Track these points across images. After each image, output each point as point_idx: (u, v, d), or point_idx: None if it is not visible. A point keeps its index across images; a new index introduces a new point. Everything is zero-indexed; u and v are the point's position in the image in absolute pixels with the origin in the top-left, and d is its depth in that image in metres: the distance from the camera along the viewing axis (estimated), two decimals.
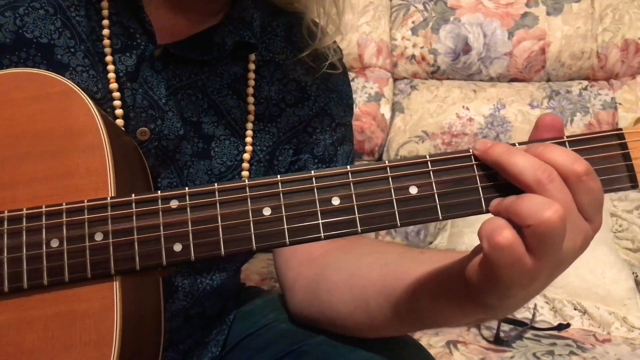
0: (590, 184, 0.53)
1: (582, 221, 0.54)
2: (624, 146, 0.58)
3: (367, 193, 0.58)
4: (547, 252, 0.51)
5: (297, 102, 0.88)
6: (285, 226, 0.57)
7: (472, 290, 0.57)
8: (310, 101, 0.89)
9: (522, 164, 0.54)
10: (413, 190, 0.57)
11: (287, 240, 0.57)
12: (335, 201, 0.58)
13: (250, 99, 0.84)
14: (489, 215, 0.55)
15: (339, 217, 0.57)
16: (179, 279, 0.83)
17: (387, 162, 0.58)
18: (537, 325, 1.44)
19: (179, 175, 0.79)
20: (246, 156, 0.84)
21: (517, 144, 0.58)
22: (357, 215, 0.57)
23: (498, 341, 1.35)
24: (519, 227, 0.52)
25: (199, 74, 0.80)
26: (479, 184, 0.57)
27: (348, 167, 0.58)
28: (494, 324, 1.38)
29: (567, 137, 0.58)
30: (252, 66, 0.84)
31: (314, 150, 0.89)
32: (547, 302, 1.53)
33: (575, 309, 1.52)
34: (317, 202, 0.58)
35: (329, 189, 0.58)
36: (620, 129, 0.59)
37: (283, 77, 0.87)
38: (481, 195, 0.57)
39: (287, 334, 0.86)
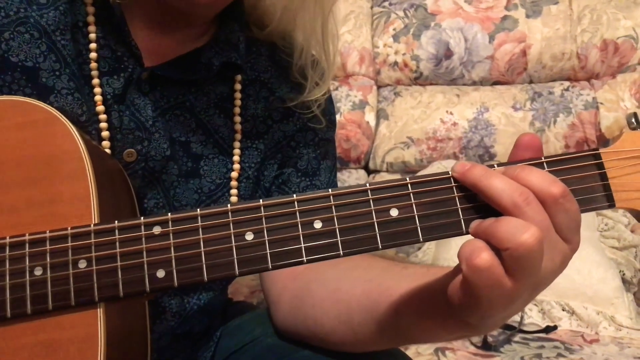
0: (567, 206, 0.54)
1: (560, 242, 0.55)
2: (600, 166, 0.59)
3: (348, 216, 0.58)
4: (526, 273, 0.52)
5: (283, 118, 0.89)
6: (268, 251, 0.57)
7: (454, 310, 0.57)
8: (295, 117, 0.89)
9: (499, 186, 0.54)
10: (394, 212, 0.58)
11: (270, 265, 0.57)
12: (317, 224, 0.58)
13: (237, 118, 0.85)
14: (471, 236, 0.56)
15: (321, 241, 0.58)
16: (166, 299, 0.83)
17: (368, 184, 0.59)
18: (525, 328, 1.45)
19: (165, 196, 0.80)
20: (234, 174, 0.84)
21: (495, 165, 0.58)
22: (339, 238, 0.58)
23: (486, 346, 1.36)
24: (497, 249, 0.52)
25: (186, 95, 0.81)
26: (458, 206, 0.58)
27: (329, 190, 0.58)
28: None
29: (545, 157, 0.59)
30: (238, 86, 0.85)
31: (297, 164, 0.90)
32: (535, 304, 1.54)
33: (563, 310, 1.52)
34: (300, 225, 0.58)
35: (311, 212, 0.58)
36: (597, 149, 0.60)
37: (269, 94, 0.88)
38: (461, 216, 0.57)
39: (273, 348, 0.86)
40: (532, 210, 0.53)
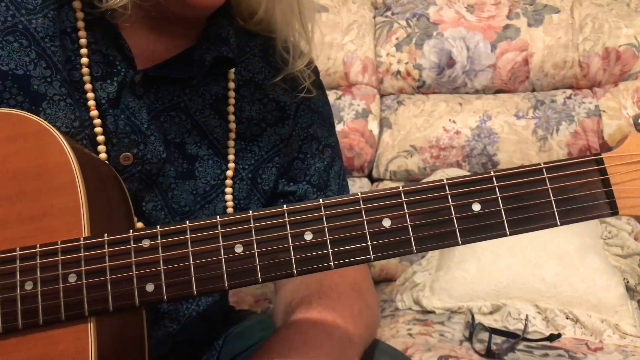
0: None
1: None
2: (603, 172, 0.58)
3: (339, 227, 0.58)
4: None
5: (278, 122, 0.89)
6: (258, 263, 0.57)
7: None
8: (290, 119, 0.90)
9: None
10: (386, 222, 0.57)
11: (260, 277, 0.57)
12: (308, 236, 0.58)
13: (232, 117, 0.85)
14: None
15: (312, 253, 0.57)
16: (164, 305, 0.83)
17: (359, 194, 0.58)
18: (529, 337, 1.44)
19: (163, 198, 0.80)
20: (229, 173, 0.85)
21: (492, 172, 0.57)
22: (330, 250, 0.57)
23: (490, 354, 1.35)
24: None
25: (181, 96, 0.81)
26: (453, 215, 0.57)
27: (320, 200, 0.58)
28: (486, 336, 1.38)
29: (545, 163, 0.58)
30: (232, 85, 0.85)
31: (311, 179, 0.91)
32: (539, 312, 1.53)
33: (567, 318, 1.52)
34: (290, 237, 0.58)
35: (302, 224, 0.58)
36: (600, 154, 0.58)
37: (263, 96, 0.89)
38: (456, 226, 0.57)
39: None
40: None
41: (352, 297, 0.84)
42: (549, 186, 0.58)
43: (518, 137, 1.92)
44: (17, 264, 0.59)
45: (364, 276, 0.91)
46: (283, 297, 0.87)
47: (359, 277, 0.89)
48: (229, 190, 0.85)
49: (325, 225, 0.58)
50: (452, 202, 0.57)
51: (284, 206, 0.59)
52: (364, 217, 0.58)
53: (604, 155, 0.58)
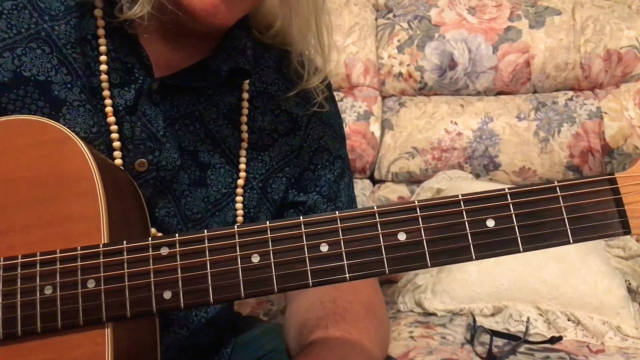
0: None
1: None
2: (616, 191, 0.59)
3: (355, 239, 0.58)
4: None
5: (289, 132, 0.90)
6: (274, 273, 0.58)
7: None
8: (302, 131, 0.91)
9: None
10: (402, 236, 0.58)
11: (276, 287, 0.58)
12: (324, 248, 0.58)
13: (244, 127, 0.86)
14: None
15: (328, 264, 0.58)
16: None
17: (375, 207, 0.59)
18: (530, 339, 1.45)
19: (176, 205, 0.81)
20: (240, 182, 0.86)
21: (506, 189, 0.58)
22: (345, 262, 0.58)
23: (491, 357, 1.35)
24: None
25: (196, 105, 0.82)
26: (468, 231, 0.58)
27: (337, 212, 0.59)
28: (487, 339, 1.39)
29: (558, 181, 0.59)
30: (245, 95, 0.86)
31: (321, 190, 0.92)
32: (540, 315, 1.53)
33: (568, 320, 1.52)
34: (306, 248, 0.58)
35: (318, 235, 0.59)
36: (613, 174, 0.59)
37: (275, 108, 0.89)
38: (470, 242, 0.58)
39: None
40: None
41: (367, 319, 0.85)
42: (562, 204, 0.59)
43: (519, 139, 1.93)
44: (37, 268, 0.61)
45: (375, 290, 0.92)
46: (296, 314, 0.88)
47: (372, 292, 0.90)
48: (239, 198, 0.86)
49: (341, 237, 0.59)
50: (466, 217, 0.58)
51: (301, 217, 0.59)
52: (380, 231, 0.59)
53: (617, 175, 0.59)
